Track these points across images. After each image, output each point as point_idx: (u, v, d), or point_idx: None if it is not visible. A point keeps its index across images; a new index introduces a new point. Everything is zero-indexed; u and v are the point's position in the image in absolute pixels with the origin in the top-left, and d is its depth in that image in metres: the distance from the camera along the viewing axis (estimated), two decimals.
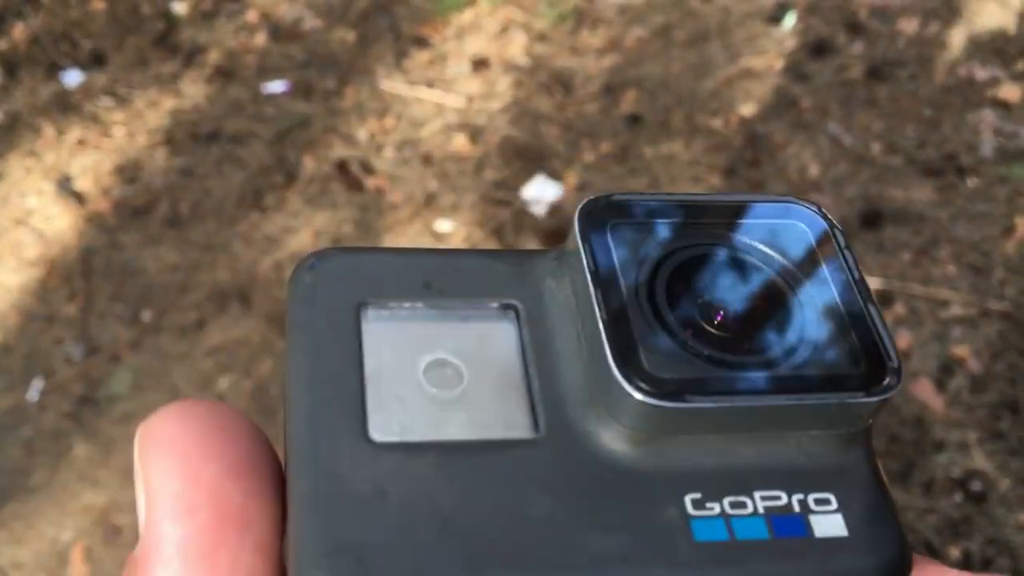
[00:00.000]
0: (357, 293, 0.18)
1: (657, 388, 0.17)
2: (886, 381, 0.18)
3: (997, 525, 1.24)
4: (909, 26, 1.76)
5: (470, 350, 0.18)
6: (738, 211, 0.20)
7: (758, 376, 0.18)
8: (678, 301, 0.18)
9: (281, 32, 1.90)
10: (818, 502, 0.17)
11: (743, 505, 0.17)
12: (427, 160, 1.68)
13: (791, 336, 0.18)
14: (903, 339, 1.39)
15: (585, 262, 0.18)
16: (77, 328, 1.53)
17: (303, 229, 1.61)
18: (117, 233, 1.63)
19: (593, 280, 0.18)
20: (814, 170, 1.57)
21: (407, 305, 0.18)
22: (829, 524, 0.17)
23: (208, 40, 1.90)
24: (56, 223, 1.64)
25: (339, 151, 1.70)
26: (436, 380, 0.18)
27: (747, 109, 1.67)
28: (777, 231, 0.20)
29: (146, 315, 1.54)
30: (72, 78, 1.84)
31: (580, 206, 0.19)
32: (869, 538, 0.17)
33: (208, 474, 0.17)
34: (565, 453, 0.17)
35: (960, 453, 1.30)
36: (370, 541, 0.16)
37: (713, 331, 0.18)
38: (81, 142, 1.75)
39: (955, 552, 1.22)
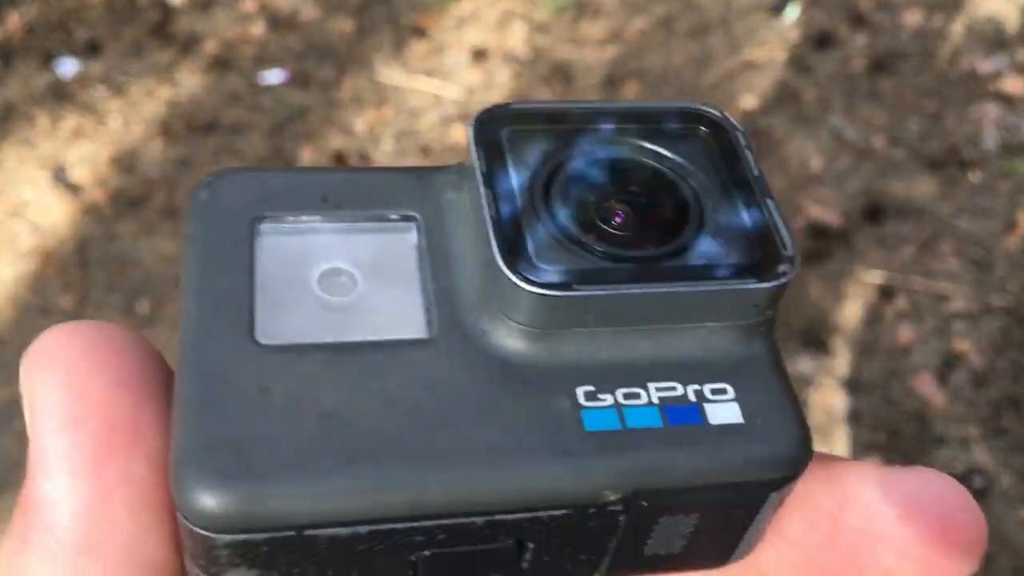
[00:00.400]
0: (253, 208, 0.18)
1: (544, 279, 0.16)
2: (780, 268, 0.18)
3: (998, 521, 1.24)
4: (912, 18, 1.75)
5: (366, 259, 0.18)
6: (639, 116, 0.20)
7: (650, 266, 0.17)
8: (575, 201, 0.18)
9: (279, 22, 1.89)
10: (714, 392, 0.17)
11: (636, 396, 0.17)
12: (425, 151, 1.67)
13: (688, 232, 0.18)
14: (904, 334, 1.38)
15: (477, 165, 0.18)
16: (73, 319, 1.52)
17: None
18: (113, 224, 1.62)
19: (484, 182, 0.18)
20: (816, 163, 1.57)
21: (304, 219, 0.18)
22: (725, 412, 0.17)
23: (205, 30, 1.89)
24: (51, 214, 1.63)
25: (337, 142, 1.69)
26: (329, 287, 0.18)
27: (749, 102, 1.66)
28: (679, 134, 0.20)
29: (142, 306, 1.53)
30: (67, 67, 1.82)
31: (476, 115, 0.19)
32: (766, 426, 0.17)
33: (95, 386, 0.16)
34: (457, 351, 0.17)
35: (961, 449, 1.29)
36: (250, 435, 0.15)
37: (609, 228, 0.18)
38: (76, 132, 1.74)
39: None
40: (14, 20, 1.87)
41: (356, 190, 0.19)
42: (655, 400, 0.17)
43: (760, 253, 0.18)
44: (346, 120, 1.72)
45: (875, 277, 1.44)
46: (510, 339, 0.17)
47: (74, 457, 0.16)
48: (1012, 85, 1.64)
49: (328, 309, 0.18)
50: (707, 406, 0.17)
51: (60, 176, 1.68)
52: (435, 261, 0.18)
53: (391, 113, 1.73)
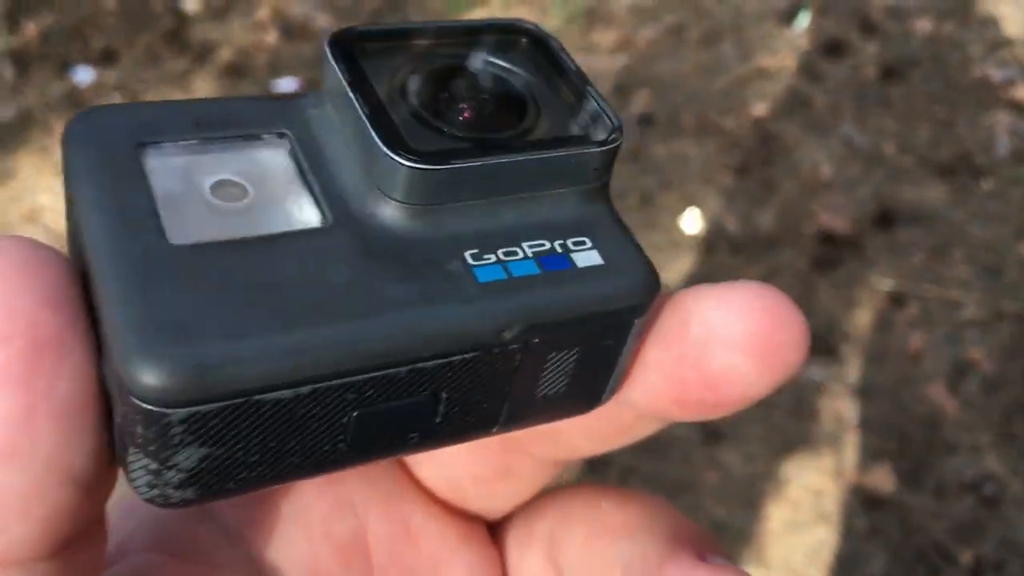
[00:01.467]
0: (134, 135, 0.19)
1: (421, 157, 0.19)
2: (611, 136, 0.21)
3: (1010, 528, 1.23)
4: (923, 26, 1.75)
5: (250, 171, 0.20)
6: (473, 31, 0.23)
7: (507, 143, 0.20)
8: (430, 101, 0.21)
9: (292, 31, 1.91)
10: (576, 244, 0.20)
11: (515, 253, 0.20)
12: None
13: (530, 117, 0.21)
14: (915, 341, 1.38)
15: (340, 74, 0.20)
16: None
17: None
18: None
19: (351, 87, 0.20)
20: (827, 170, 1.57)
21: (182, 142, 0.20)
22: (587, 257, 0.20)
23: (219, 38, 1.91)
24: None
25: None
26: (224, 196, 0.19)
27: (759, 109, 1.66)
28: (506, 44, 0.23)
29: None
30: (83, 75, 1.84)
31: (327, 39, 0.21)
32: (622, 264, 0.20)
33: (23, 304, 0.16)
34: (353, 234, 0.19)
35: (973, 456, 1.29)
36: (189, 313, 0.17)
37: (465, 118, 0.21)
38: None
39: (967, 555, 1.21)
40: (31, 28, 1.90)
41: (226, 115, 0.21)
42: (530, 254, 0.20)
43: (592, 127, 0.21)
44: None
45: (886, 284, 1.44)
46: (397, 218, 0.19)
47: (1, 374, 0.16)
48: None
49: (227, 213, 0.19)
50: (573, 254, 0.20)
51: None
52: (313, 166, 0.20)
53: None
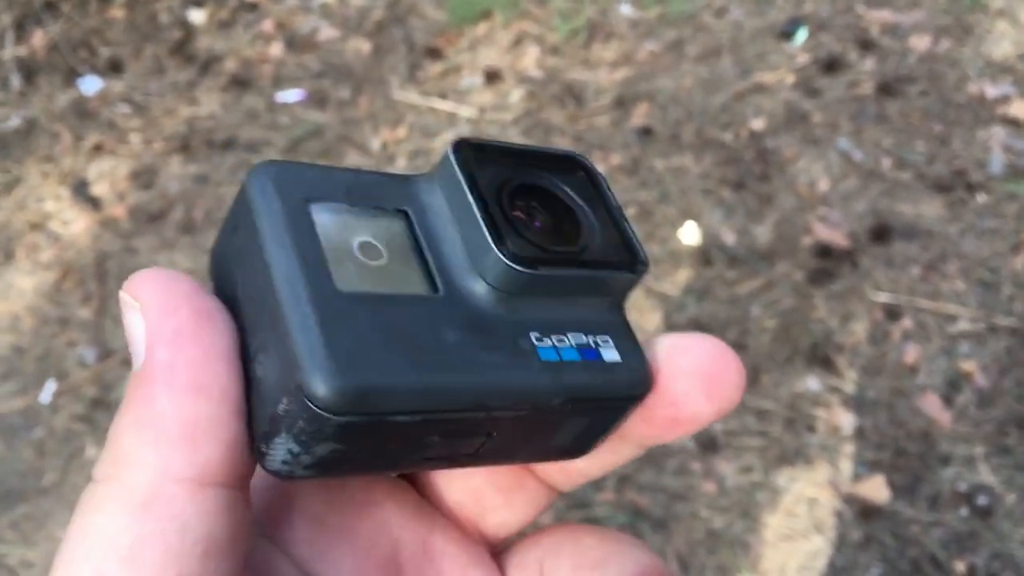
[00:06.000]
0: (303, 192, 0.25)
1: (518, 260, 0.25)
2: (639, 267, 0.27)
3: (1003, 540, 1.24)
4: (920, 43, 1.77)
5: (384, 236, 0.26)
6: (544, 157, 0.28)
7: (572, 258, 0.26)
8: (516, 211, 0.27)
9: (297, 42, 1.93)
10: (603, 341, 0.26)
11: (563, 341, 0.26)
12: None
13: (584, 236, 0.27)
14: (910, 353, 1.39)
15: (462, 179, 0.26)
16: (91, 331, 1.54)
17: None
18: (132, 238, 1.65)
19: (471, 191, 0.26)
20: (824, 185, 1.58)
21: (337, 204, 0.25)
22: (610, 353, 0.26)
23: (224, 49, 1.92)
24: (72, 227, 1.66)
25: (352, 160, 1.72)
26: (367, 254, 0.25)
27: (758, 123, 1.68)
28: (568, 170, 0.29)
29: None
30: (90, 85, 1.86)
31: (452, 147, 0.26)
32: (632, 363, 0.26)
33: (179, 289, 0.23)
34: (457, 304, 0.25)
35: (967, 467, 1.30)
36: (353, 349, 0.22)
37: (539, 227, 0.27)
38: (98, 148, 1.77)
39: (961, 566, 1.22)
40: (38, 38, 1.91)
41: (367, 187, 0.26)
42: (573, 344, 0.26)
43: (627, 256, 0.27)
44: (362, 138, 1.75)
45: (881, 297, 1.45)
46: (489, 297, 0.25)
47: (180, 329, 0.23)
48: (1019, 109, 1.65)
49: (370, 270, 0.25)
50: (601, 349, 0.26)
51: (81, 190, 1.71)
52: (427, 241, 0.26)
53: (406, 132, 1.76)
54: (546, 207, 0.27)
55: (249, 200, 0.24)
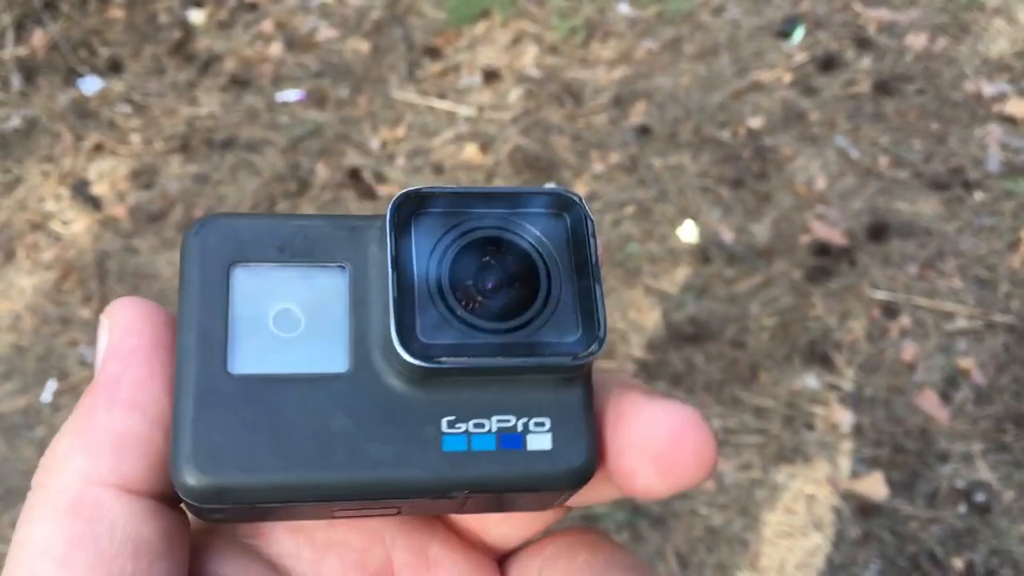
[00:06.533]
0: (229, 254, 0.24)
1: (421, 353, 0.23)
2: (591, 348, 0.24)
3: (1001, 536, 1.24)
4: (917, 41, 1.77)
5: (309, 300, 0.25)
6: (515, 200, 0.26)
7: (499, 342, 0.24)
8: (456, 278, 0.24)
9: (296, 42, 1.93)
10: (537, 424, 0.24)
11: (483, 426, 0.24)
12: (438, 169, 1.69)
13: (533, 307, 0.25)
14: (908, 351, 1.40)
15: (388, 246, 0.24)
16: (91, 331, 1.54)
17: None
18: (132, 238, 1.65)
19: (392, 263, 0.24)
20: (821, 183, 1.59)
21: (265, 265, 0.25)
22: (540, 440, 0.24)
23: (224, 49, 1.92)
24: (72, 227, 1.66)
25: (352, 159, 1.72)
26: (281, 326, 0.24)
27: (755, 122, 1.68)
28: (543, 219, 0.26)
29: None
30: (90, 85, 1.86)
31: (393, 199, 0.24)
32: (566, 450, 0.24)
33: (148, 316, 0.25)
34: (363, 385, 0.24)
35: (964, 464, 1.30)
36: (217, 443, 0.23)
37: (476, 303, 0.24)
38: (98, 148, 1.77)
39: (959, 563, 1.23)
40: (38, 38, 1.92)
41: (305, 240, 0.25)
42: (494, 429, 0.24)
43: (583, 330, 0.25)
44: (361, 138, 1.76)
45: (879, 295, 1.46)
46: (399, 381, 0.24)
47: (136, 351, 0.25)
48: (1016, 107, 1.66)
49: (279, 344, 0.24)
50: (528, 436, 0.24)
51: (81, 190, 1.71)
52: (356, 305, 0.25)
53: (405, 131, 1.76)
54: (503, 263, 0.25)
55: (181, 260, 0.25)
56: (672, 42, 1.83)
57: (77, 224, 1.66)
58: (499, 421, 0.24)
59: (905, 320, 1.43)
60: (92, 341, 1.53)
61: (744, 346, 1.41)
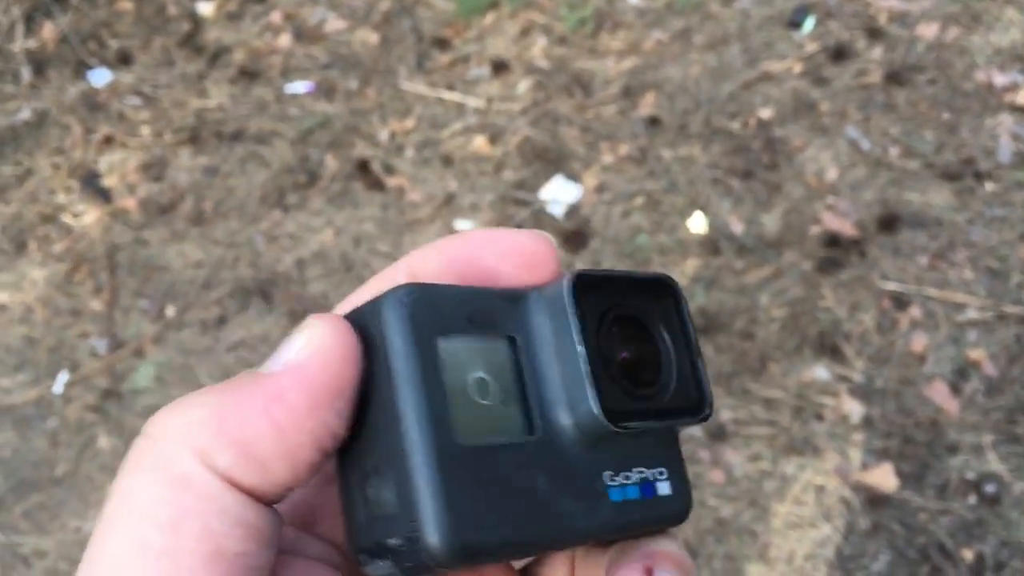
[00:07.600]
0: (432, 326, 0.27)
1: (613, 418, 0.27)
2: (704, 413, 0.29)
3: (1011, 528, 1.24)
4: (928, 31, 1.76)
5: (494, 368, 0.28)
6: (640, 283, 0.30)
7: (654, 406, 0.29)
8: (609, 351, 0.28)
9: (305, 33, 1.93)
10: (659, 473, 0.29)
11: (629, 478, 0.28)
12: (447, 160, 1.69)
13: (665, 377, 0.30)
14: (919, 342, 1.39)
15: (573, 323, 0.27)
16: (102, 322, 1.55)
17: (325, 228, 1.63)
18: (142, 230, 1.66)
19: (580, 334, 0.27)
20: (832, 173, 1.58)
21: (461, 337, 0.27)
22: (663, 487, 0.29)
23: (233, 41, 1.93)
24: (83, 219, 1.67)
25: (361, 151, 1.72)
26: (479, 392, 0.27)
27: (765, 112, 1.68)
28: (660, 298, 0.30)
29: (170, 310, 1.56)
30: (100, 77, 1.87)
31: (569, 282, 0.28)
32: (678, 493, 0.29)
33: (356, 352, 0.26)
34: (550, 446, 0.27)
35: (975, 456, 1.30)
36: (463, 508, 0.25)
37: (626, 373, 0.29)
38: (108, 140, 1.78)
39: (969, 555, 1.22)
40: (48, 30, 1.92)
41: (484, 312, 0.28)
42: (636, 480, 0.29)
43: (696, 397, 0.30)
44: (370, 129, 1.76)
45: (890, 286, 1.45)
46: (577, 439, 0.28)
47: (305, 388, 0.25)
48: None
49: (481, 411, 0.27)
50: (657, 484, 0.29)
51: (91, 182, 1.72)
52: (529, 370, 0.28)
53: (414, 123, 1.76)
54: (634, 339, 0.29)
55: (384, 329, 0.26)
56: (682, 32, 1.83)
57: (87, 216, 1.67)
58: (638, 472, 0.29)
59: (915, 311, 1.42)
60: (103, 332, 1.54)
61: (754, 337, 1.41)
